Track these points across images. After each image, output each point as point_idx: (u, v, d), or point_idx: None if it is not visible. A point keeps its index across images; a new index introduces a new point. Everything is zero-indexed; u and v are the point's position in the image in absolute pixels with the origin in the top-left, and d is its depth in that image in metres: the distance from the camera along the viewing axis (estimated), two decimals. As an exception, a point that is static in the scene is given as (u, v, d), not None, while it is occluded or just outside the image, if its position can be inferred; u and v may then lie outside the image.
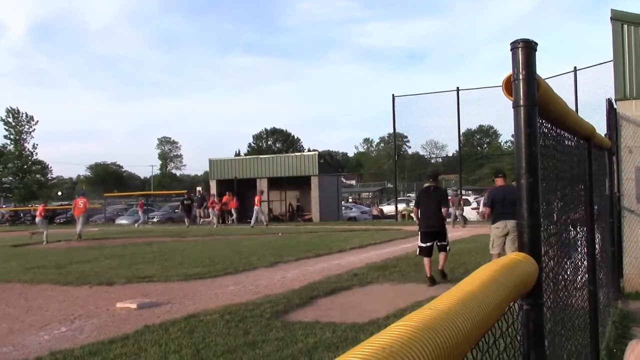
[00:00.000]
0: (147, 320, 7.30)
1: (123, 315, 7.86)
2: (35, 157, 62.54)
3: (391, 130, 34.71)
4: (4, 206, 55.05)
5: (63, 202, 55.53)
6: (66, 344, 6.33)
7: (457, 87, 30.45)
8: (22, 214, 46.85)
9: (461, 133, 32.77)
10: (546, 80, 2.00)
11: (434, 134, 42.81)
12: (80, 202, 23.25)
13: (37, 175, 62.35)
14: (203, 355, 5.70)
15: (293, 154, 42.84)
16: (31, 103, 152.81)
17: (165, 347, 5.97)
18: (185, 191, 37.98)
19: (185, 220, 32.12)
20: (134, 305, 8.30)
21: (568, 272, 2.93)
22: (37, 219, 23.27)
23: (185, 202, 33.38)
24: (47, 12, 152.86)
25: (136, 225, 32.25)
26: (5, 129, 61.22)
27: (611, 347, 5.20)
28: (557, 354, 2.48)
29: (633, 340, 3.55)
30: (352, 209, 41.19)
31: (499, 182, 9.87)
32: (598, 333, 4.29)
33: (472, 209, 31.00)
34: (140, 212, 33.87)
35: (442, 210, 10.26)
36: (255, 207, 29.94)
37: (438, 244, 10.03)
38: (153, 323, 7.09)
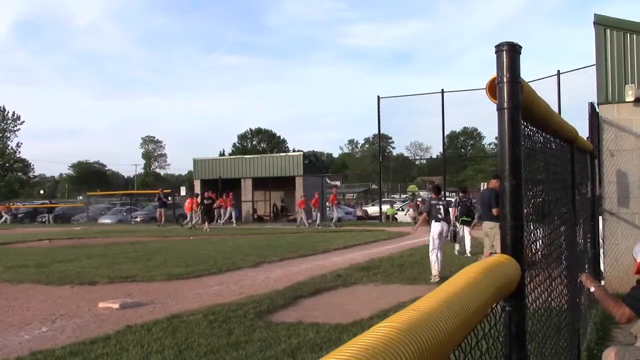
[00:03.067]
0: (129, 321, 7.25)
1: (105, 315, 7.80)
2: (18, 156, 61.97)
3: (376, 132, 34.87)
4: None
5: (45, 201, 54.92)
6: (47, 344, 6.27)
7: (442, 89, 30.65)
8: (2, 213, 46.15)
9: (445, 135, 32.97)
10: (529, 84, 2.01)
11: (419, 135, 43.11)
12: (187, 202, 29.01)
13: (19, 174, 61.77)
14: (186, 355, 5.67)
15: (278, 155, 42.70)
16: (14, 100, 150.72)
17: (148, 348, 5.93)
18: (162, 190, 36.23)
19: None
20: (116, 305, 8.23)
21: (550, 274, 2.95)
22: (189, 213, 28.08)
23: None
24: (31, 9, 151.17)
25: (220, 222, 31.11)
26: (-11, 126, 60.61)
27: (592, 349, 5.26)
28: (539, 355, 2.50)
29: (608, 348, 3.62)
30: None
31: (490, 184, 10.24)
32: (579, 334, 4.33)
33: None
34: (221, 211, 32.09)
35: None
36: (314, 208, 29.89)
37: None
38: (135, 323, 7.04)
